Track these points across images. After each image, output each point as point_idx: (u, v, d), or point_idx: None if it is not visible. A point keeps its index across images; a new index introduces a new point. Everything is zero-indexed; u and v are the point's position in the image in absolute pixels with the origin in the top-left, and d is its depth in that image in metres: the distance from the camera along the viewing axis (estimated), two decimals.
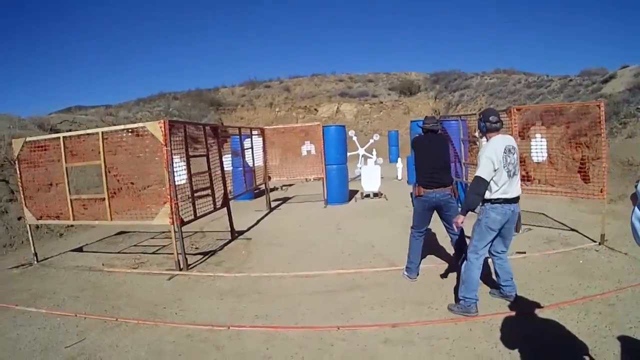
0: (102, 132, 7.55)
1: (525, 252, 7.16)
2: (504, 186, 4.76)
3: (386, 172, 17.62)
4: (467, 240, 5.50)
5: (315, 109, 33.00)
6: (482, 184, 4.69)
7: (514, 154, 4.82)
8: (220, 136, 9.37)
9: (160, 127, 6.93)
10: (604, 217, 7.39)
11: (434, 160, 5.87)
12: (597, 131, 8.16)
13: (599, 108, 7.81)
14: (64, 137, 8.01)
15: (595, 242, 7.44)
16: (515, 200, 4.86)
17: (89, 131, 8.10)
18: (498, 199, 4.77)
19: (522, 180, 8.88)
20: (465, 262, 5.01)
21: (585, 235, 7.92)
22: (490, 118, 4.87)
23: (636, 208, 1.96)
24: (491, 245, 5.11)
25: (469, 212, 4.86)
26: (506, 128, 9.03)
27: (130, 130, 7.62)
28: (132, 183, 8.06)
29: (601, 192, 7.65)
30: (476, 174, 4.74)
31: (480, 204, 4.94)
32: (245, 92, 34.90)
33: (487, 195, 4.82)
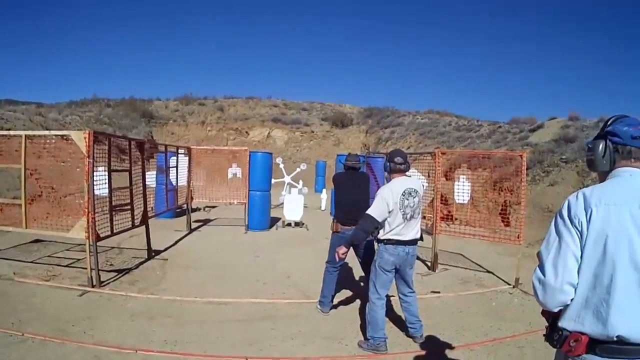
0: (26, 135, 7.34)
1: (439, 292, 7.39)
2: (397, 228, 4.83)
3: (311, 201, 17.80)
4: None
5: (247, 132, 33.00)
6: (370, 222, 4.80)
7: (414, 198, 4.89)
8: (146, 152, 9.33)
9: (85, 138, 6.80)
10: (519, 262, 7.74)
11: (353, 198, 6.00)
12: (520, 177, 8.64)
13: (521, 158, 8.31)
14: None
15: (509, 285, 7.81)
16: (410, 242, 4.96)
17: (12, 133, 7.89)
18: (390, 239, 4.88)
19: (444, 220, 9.30)
20: (368, 303, 5.13)
21: (500, 278, 8.31)
22: (396, 159, 4.97)
23: (537, 268, 2.12)
24: (397, 287, 5.30)
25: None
26: (430, 170, 9.41)
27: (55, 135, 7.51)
28: (53, 189, 7.90)
29: (518, 237, 8.04)
30: (367, 212, 4.86)
31: (377, 244, 5.08)
32: (178, 107, 34.46)
33: (381, 235, 4.95)
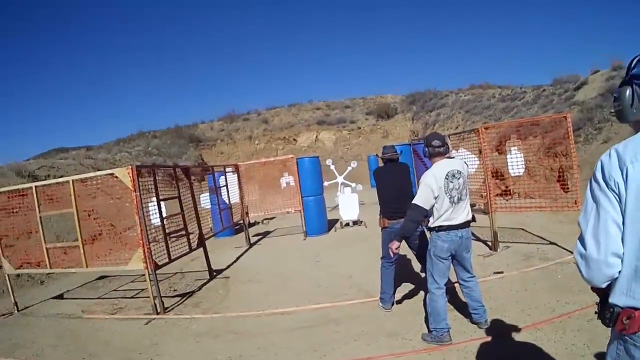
0: (73, 180, 7.59)
1: (502, 272, 7.17)
2: (446, 213, 4.71)
3: (367, 197, 17.69)
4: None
5: (294, 139, 33.09)
6: (417, 212, 4.72)
7: (458, 179, 4.75)
8: (194, 175, 9.45)
9: (129, 173, 6.99)
10: None
11: (394, 190, 5.90)
12: (569, 141, 8.22)
13: (566, 119, 7.89)
14: (36, 186, 8.06)
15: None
16: (462, 225, 4.82)
17: (59, 180, 8.16)
18: (441, 226, 4.76)
19: (502, 195, 9.03)
20: (428, 294, 5.01)
21: (563, 248, 7.96)
22: (434, 142, 4.84)
23: (577, 241, 1.96)
24: (456, 273, 5.15)
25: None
26: (476, 146, 9.16)
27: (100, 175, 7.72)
28: (112, 225, 8.10)
29: (575, 203, 7.68)
30: (413, 201, 4.75)
31: (429, 232, 4.97)
32: (223, 126, 34.97)
33: (431, 222, 4.84)
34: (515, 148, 9.42)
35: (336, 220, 14.11)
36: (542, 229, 9.50)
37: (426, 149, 4.93)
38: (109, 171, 7.49)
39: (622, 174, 1.77)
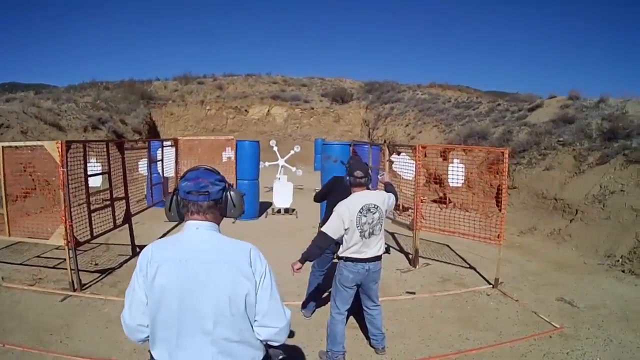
0: (3, 147, 7.47)
1: (414, 293, 7.31)
2: (355, 246, 4.70)
3: (307, 181, 17.88)
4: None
5: (246, 110, 32.90)
6: (324, 239, 4.66)
7: (374, 214, 4.70)
8: (131, 148, 9.47)
9: (58, 148, 6.91)
10: (499, 263, 7.58)
11: None
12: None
13: (504, 155, 7.82)
14: None
15: (489, 284, 7.67)
16: (371, 259, 4.81)
17: None
18: (349, 257, 4.77)
19: (437, 202, 9.24)
20: (329, 317, 5.09)
21: (481, 275, 8.20)
22: (355, 173, 4.77)
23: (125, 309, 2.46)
24: (361, 299, 5.23)
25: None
26: (412, 162, 9.39)
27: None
28: (47, 182, 8.07)
29: (498, 237, 7.69)
30: (322, 228, 4.72)
31: (338, 259, 5.01)
32: (177, 87, 34.37)
33: (340, 251, 4.85)
34: (458, 160, 9.69)
35: (269, 204, 14.37)
36: (467, 249, 9.72)
37: (347, 177, 4.86)
38: (40, 143, 7.39)
39: (151, 268, 2.29)
